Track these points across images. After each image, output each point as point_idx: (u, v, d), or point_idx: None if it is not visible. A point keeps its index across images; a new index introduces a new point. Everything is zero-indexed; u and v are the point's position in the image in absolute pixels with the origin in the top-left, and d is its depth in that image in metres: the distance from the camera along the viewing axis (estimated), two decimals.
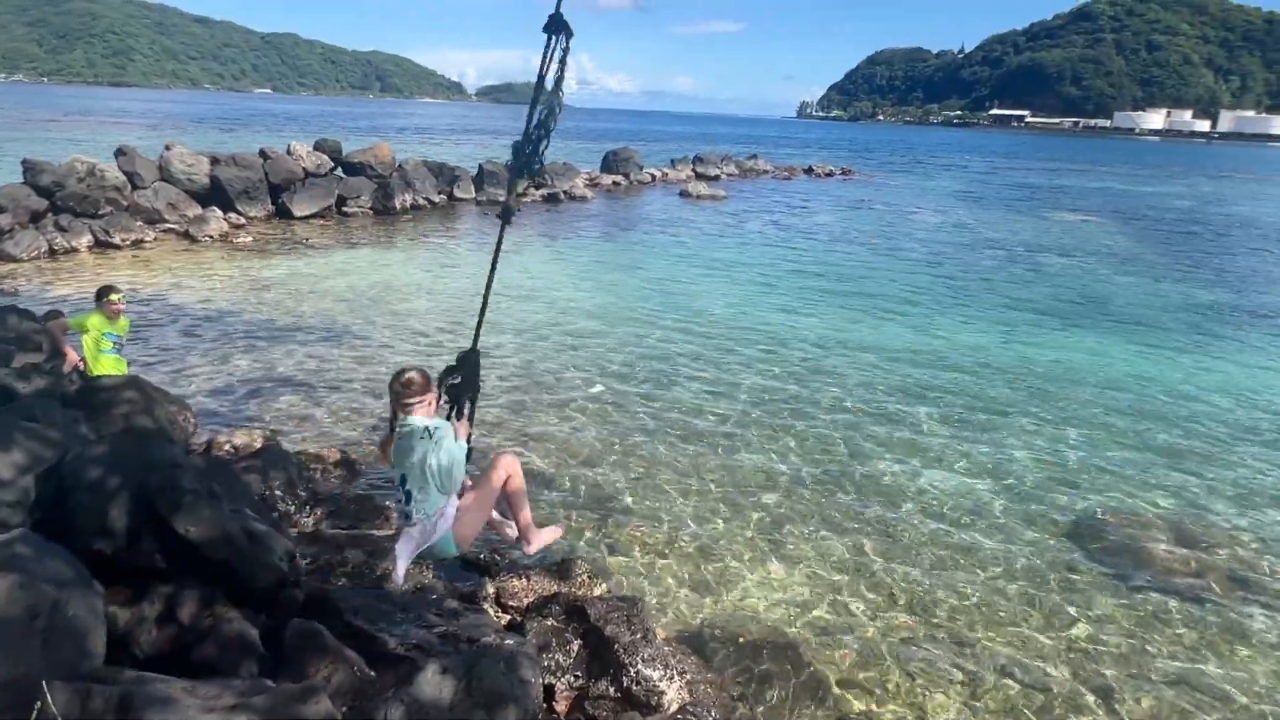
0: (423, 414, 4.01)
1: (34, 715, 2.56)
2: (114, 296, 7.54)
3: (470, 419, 4.36)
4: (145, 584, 3.77)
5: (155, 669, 3.26)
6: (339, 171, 25.41)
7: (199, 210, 20.37)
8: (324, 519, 6.20)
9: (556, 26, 3.80)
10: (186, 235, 19.12)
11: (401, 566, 4.00)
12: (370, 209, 24.42)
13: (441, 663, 2.85)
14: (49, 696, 2.51)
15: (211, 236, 19.17)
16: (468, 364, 4.31)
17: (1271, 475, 8.66)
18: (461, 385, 4.30)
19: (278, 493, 5.82)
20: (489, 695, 2.78)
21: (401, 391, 4.00)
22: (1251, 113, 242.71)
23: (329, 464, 7.39)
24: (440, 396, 4.24)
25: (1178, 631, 5.91)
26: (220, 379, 10.04)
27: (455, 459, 3.92)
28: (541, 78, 3.84)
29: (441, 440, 3.88)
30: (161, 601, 3.61)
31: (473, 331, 4.53)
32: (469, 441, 4.25)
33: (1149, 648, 5.69)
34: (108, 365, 7.50)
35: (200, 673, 3.32)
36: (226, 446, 7.15)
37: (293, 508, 5.92)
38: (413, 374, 4.05)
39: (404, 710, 2.62)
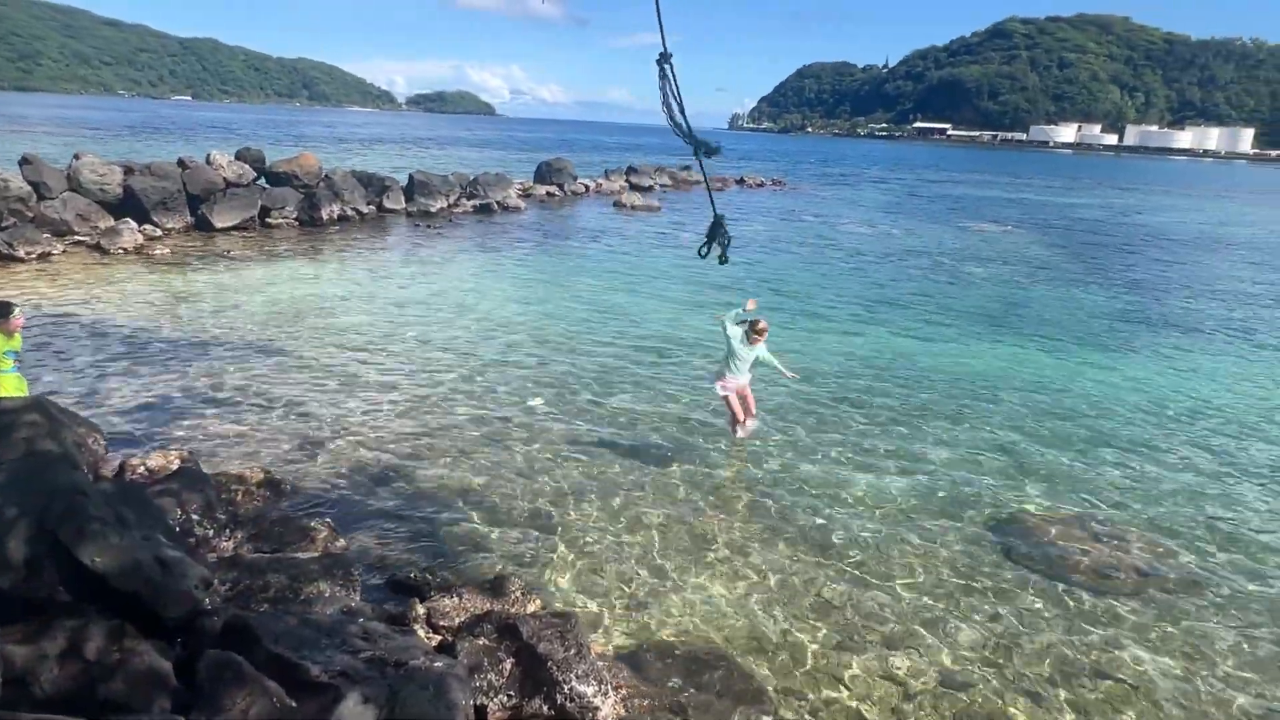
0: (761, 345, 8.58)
1: None
2: (16, 312, 7.16)
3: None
4: (46, 619, 3.57)
5: (58, 710, 3.09)
6: (262, 182, 24.66)
7: (111, 222, 19.50)
8: (244, 542, 5.98)
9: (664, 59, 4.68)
10: (98, 248, 18.28)
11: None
12: (296, 220, 23.77)
13: (363, 691, 2.76)
14: None
15: (125, 249, 18.36)
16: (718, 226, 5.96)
17: (1178, 471, 9.11)
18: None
19: (194, 517, 5.59)
20: None
21: (757, 334, 8.55)
22: (1154, 127, 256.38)
23: (251, 485, 7.13)
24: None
25: (1095, 625, 6.14)
26: (135, 398, 9.61)
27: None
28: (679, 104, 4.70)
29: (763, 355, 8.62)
30: (64, 637, 3.41)
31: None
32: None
33: (1071, 642, 5.90)
34: (9, 385, 7.10)
35: (107, 711, 3.15)
36: (140, 469, 6.83)
37: (210, 532, 5.70)
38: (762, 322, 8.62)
39: None
